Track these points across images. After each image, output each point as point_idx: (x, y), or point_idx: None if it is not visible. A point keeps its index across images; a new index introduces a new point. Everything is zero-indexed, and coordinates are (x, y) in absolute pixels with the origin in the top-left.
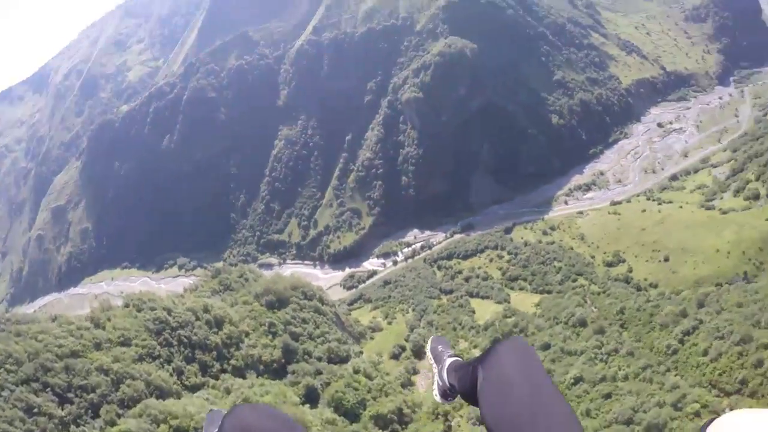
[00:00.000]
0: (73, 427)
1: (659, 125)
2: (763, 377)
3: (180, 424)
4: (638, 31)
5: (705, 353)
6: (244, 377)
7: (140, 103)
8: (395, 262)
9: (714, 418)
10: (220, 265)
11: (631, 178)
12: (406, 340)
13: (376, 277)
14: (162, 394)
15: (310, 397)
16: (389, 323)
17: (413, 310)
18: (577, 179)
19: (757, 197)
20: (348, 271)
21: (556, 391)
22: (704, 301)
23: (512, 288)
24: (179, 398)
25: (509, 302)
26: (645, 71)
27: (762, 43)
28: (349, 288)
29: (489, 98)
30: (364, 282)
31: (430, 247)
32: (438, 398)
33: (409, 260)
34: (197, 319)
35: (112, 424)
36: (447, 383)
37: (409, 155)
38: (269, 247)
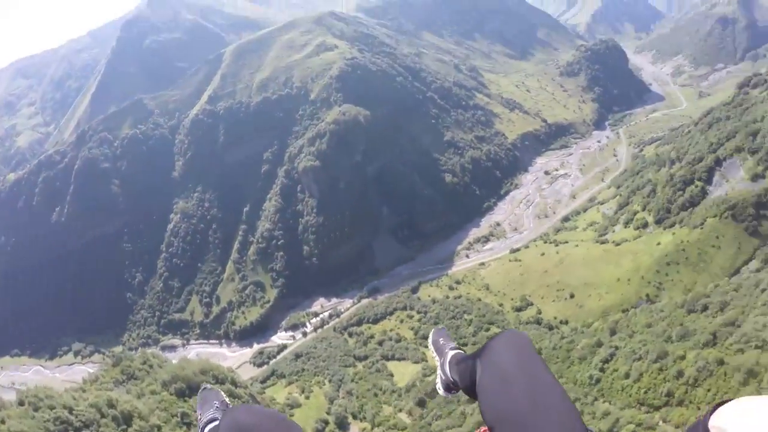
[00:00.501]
0: None
1: (546, 173)
2: (687, 385)
3: None
4: (519, 89)
5: (627, 376)
6: None
7: (29, 171)
8: (305, 334)
9: (717, 406)
10: (119, 349)
11: (526, 225)
12: (328, 413)
13: (286, 351)
14: None
15: None
16: (307, 398)
17: (329, 381)
18: (475, 232)
19: (645, 225)
20: (257, 347)
21: (554, 383)
22: (615, 328)
23: (426, 347)
24: None
25: (426, 361)
26: (528, 125)
27: (630, 89)
28: (260, 365)
29: (384, 162)
30: (274, 357)
31: (338, 315)
32: (441, 392)
33: (319, 330)
34: (102, 416)
35: None
36: (450, 377)
37: (309, 224)
38: (171, 328)
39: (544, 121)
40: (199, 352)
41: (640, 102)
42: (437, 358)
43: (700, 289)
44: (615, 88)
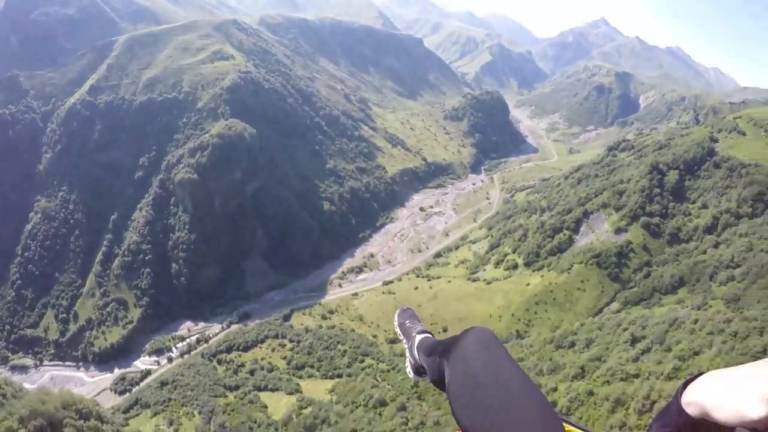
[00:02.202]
0: None
1: (421, 209)
2: (561, 414)
3: None
4: (404, 126)
5: None
6: None
7: None
8: (170, 359)
9: (687, 383)
10: None
11: (400, 258)
12: None
13: (151, 378)
14: None
15: None
16: (176, 431)
17: (199, 412)
18: (349, 262)
19: (515, 267)
20: (118, 372)
21: (525, 382)
22: None
23: (300, 377)
24: None
25: (301, 392)
26: (408, 162)
27: (508, 138)
28: (122, 392)
29: (264, 183)
30: (137, 384)
31: (206, 340)
32: (411, 375)
33: (186, 356)
34: None
35: None
36: (419, 362)
37: (180, 240)
38: (22, 345)
39: (424, 159)
40: (54, 375)
41: (515, 151)
42: (404, 340)
43: (566, 326)
44: (494, 135)
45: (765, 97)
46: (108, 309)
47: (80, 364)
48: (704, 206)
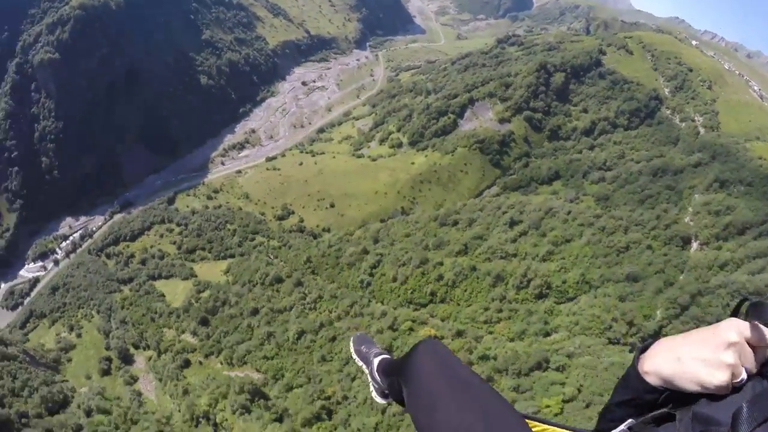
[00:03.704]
0: None
1: (304, 83)
2: (447, 286)
3: None
4: None
5: (394, 279)
6: None
7: None
8: (56, 262)
9: (644, 348)
10: None
11: (282, 133)
12: (108, 349)
13: (40, 285)
14: None
15: None
16: (78, 336)
17: (98, 312)
18: (230, 139)
19: (400, 145)
20: (4, 286)
21: (487, 393)
22: (377, 237)
23: (194, 260)
24: None
25: (196, 276)
26: (291, 33)
27: (396, 17)
28: (14, 307)
29: (135, 59)
30: (28, 295)
31: (90, 235)
32: (379, 399)
33: (72, 255)
34: None
35: None
36: (382, 384)
37: (47, 130)
38: None
39: (307, 32)
40: None
41: (402, 30)
42: (364, 366)
43: (449, 206)
44: (381, 12)
45: (656, 24)
46: None
47: None
48: (585, 111)
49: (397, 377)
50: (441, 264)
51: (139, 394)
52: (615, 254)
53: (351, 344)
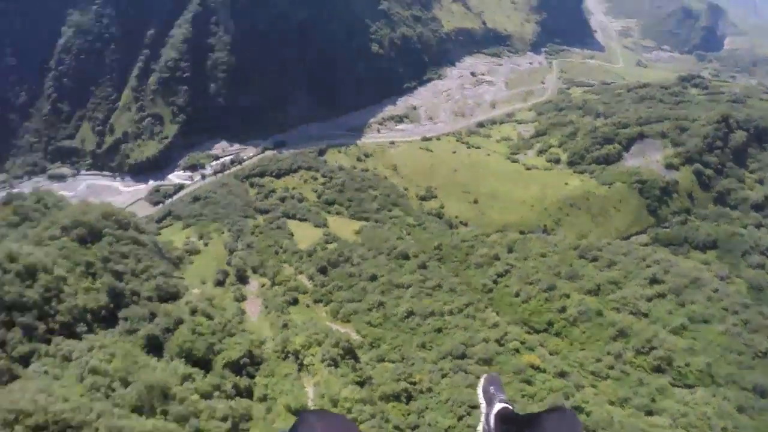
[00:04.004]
0: None
1: (473, 74)
2: (567, 321)
3: (37, 421)
4: None
5: (517, 295)
6: (75, 335)
7: None
8: (203, 176)
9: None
10: (1, 177)
11: (442, 117)
12: (228, 264)
13: (184, 192)
14: None
15: (152, 346)
16: (206, 244)
17: (229, 230)
18: (390, 109)
19: (558, 161)
20: (152, 184)
21: None
22: (513, 247)
23: (329, 212)
24: (13, 378)
25: (327, 226)
26: (467, 21)
27: (576, 28)
28: (156, 203)
29: (313, 13)
30: (171, 197)
31: (240, 162)
32: None
33: (219, 175)
34: (5, 272)
35: None
36: (492, 428)
37: (219, 61)
38: (60, 155)
39: (484, 23)
40: (90, 183)
41: (580, 43)
42: (484, 405)
43: (593, 239)
44: (562, 19)
45: None
46: (144, 123)
47: (116, 174)
48: (760, 182)
49: (519, 428)
50: (568, 296)
51: (243, 312)
52: (751, 357)
53: (482, 380)
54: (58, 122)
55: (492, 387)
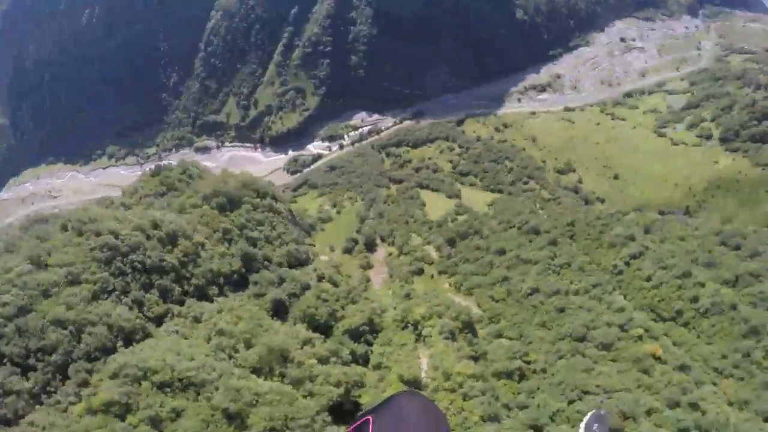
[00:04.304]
0: (44, 397)
1: (622, 40)
2: (697, 312)
3: (162, 378)
4: None
5: (648, 279)
6: (207, 297)
7: None
8: (341, 146)
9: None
10: (152, 150)
11: (587, 86)
12: (358, 232)
13: (321, 162)
14: (127, 335)
15: (278, 311)
16: (338, 212)
17: (362, 199)
18: (533, 78)
19: (709, 137)
20: (291, 154)
21: None
22: (650, 228)
23: (463, 183)
24: (146, 336)
25: (460, 198)
26: None
27: None
28: (293, 173)
29: None
30: (308, 166)
31: (378, 132)
32: None
33: (356, 144)
34: (148, 238)
35: (85, 384)
36: None
37: (360, 34)
38: (206, 129)
39: None
40: (233, 155)
41: (742, 5)
42: None
43: (739, 225)
44: None
45: None
46: (287, 96)
47: (257, 145)
48: None
49: None
50: (703, 285)
51: (368, 280)
52: None
53: (588, 416)
54: (206, 98)
55: (596, 425)
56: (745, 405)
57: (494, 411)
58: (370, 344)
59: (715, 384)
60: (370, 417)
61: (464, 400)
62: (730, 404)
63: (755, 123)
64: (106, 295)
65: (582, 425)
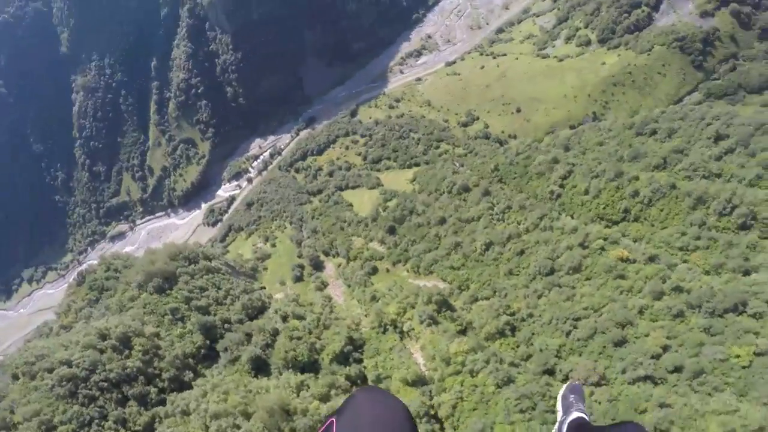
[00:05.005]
0: None
1: None
2: (641, 204)
3: None
4: None
5: (586, 192)
6: (186, 385)
7: None
8: (250, 180)
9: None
10: (68, 258)
11: (459, 36)
12: (300, 257)
13: (236, 203)
14: None
15: (258, 367)
16: (273, 245)
17: (290, 223)
18: (406, 47)
19: (588, 43)
20: (205, 206)
21: None
22: (568, 145)
23: (379, 170)
24: None
25: (382, 185)
26: None
27: None
28: (214, 224)
29: None
30: (226, 212)
31: (279, 153)
32: None
33: (263, 173)
34: (102, 352)
35: None
36: None
37: (227, 63)
38: (112, 215)
39: None
40: (149, 229)
41: None
42: (560, 412)
43: (646, 113)
44: None
45: None
46: (178, 152)
47: (169, 211)
48: None
49: None
50: (637, 179)
51: (329, 299)
52: None
53: (563, 388)
54: (100, 184)
55: (572, 396)
56: (720, 269)
57: (505, 374)
58: (360, 362)
59: (686, 261)
60: (333, 419)
61: (472, 376)
62: (707, 273)
63: (626, 15)
64: (86, 428)
65: (559, 396)
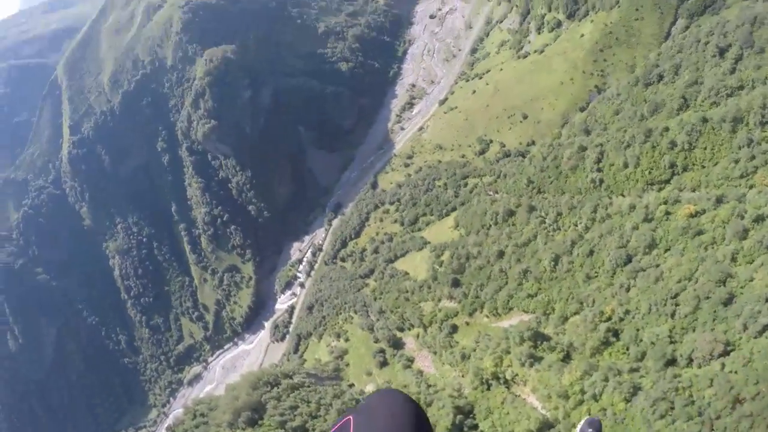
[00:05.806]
0: None
1: (431, 17)
2: (683, 151)
3: None
4: None
5: (626, 165)
6: None
7: None
8: (302, 285)
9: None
10: (153, 414)
11: (439, 73)
12: (376, 341)
13: (297, 310)
14: None
15: None
16: (347, 340)
17: (355, 312)
18: (396, 103)
19: (559, 24)
20: (268, 324)
21: None
22: (587, 127)
23: (420, 229)
24: None
25: (428, 242)
26: None
27: None
28: (282, 338)
29: (276, 84)
30: (290, 323)
31: (320, 249)
32: None
33: (312, 273)
34: None
35: None
36: None
37: (240, 184)
38: (183, 361)
39: None
40: (222, 363)
41: None
42: None
43: (643, 62)
44: None
45: None
46: (225, 282)
47: (235, 339)
48: None
49: None
50: (667, 129)
51: (421, 372)
52: None
53: (582, 422)
54: (162, 336)
55: (590, 430)
56: None
57: (629, 385)
58: (476, 428)
59: (752, 186)
60: (350, 417)
61: (596, 400)
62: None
63: None
64: None
65: (577, 430)
